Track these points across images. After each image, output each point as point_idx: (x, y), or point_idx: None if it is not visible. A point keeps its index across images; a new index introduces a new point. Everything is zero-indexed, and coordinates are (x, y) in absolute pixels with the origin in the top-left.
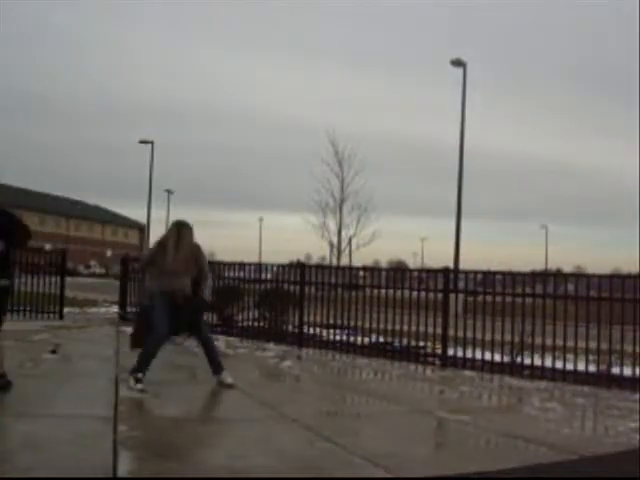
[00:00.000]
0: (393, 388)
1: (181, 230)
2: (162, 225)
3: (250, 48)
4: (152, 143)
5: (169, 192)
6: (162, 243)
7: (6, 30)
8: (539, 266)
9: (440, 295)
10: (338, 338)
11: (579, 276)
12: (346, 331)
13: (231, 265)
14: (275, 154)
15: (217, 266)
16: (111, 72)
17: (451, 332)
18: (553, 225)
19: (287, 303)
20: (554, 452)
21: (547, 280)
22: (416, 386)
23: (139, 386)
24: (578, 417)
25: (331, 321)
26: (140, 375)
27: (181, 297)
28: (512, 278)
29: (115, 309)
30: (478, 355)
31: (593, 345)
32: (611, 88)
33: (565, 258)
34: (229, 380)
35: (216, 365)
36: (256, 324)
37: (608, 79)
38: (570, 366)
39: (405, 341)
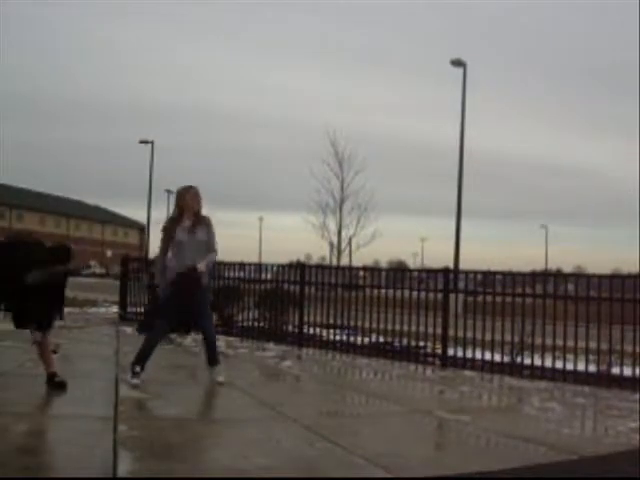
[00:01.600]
0: (393, 388)
1: (193, 198)
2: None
3: (250, 48)
4: (152, 143)
5: (169, 192)
6: (175, 218)
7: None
8: (539, 266)
9: (440, 295)
10: (338, 338)
11: (579, 276)
12: (346, 331)
13: (231, 265)
14: (275, 154)
15: (217, 266)
16: (111, 72)
17: (451, 332)
18: (553, 225)
19: (287, 303)
20: (554, 452)
21: (547, 280)
22: (416, 386)
23: (134, 381)
24: (578, 417)
25: (331, 321)
26: (138, 369)
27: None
28: (512, 278)
29: (115, 309)
30: (478, 355)
31: (593, 345)
32: (611, 87)
33: (565, 258)
34: (219, 378)
35: (212, 359)
36: (256, 324)
37: (608, 79)
38: (570, 366)
39: (405, 341)
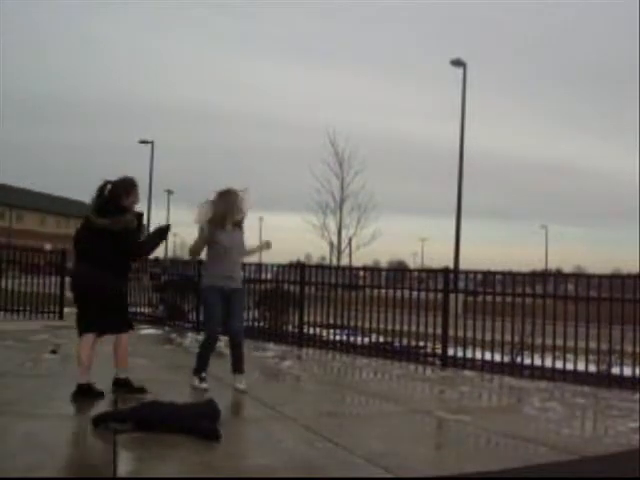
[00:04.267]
0: (393, 388)
1: (236, 201)
2: None
3: (250, 48)
4: (152, 143)
5: (169, 192)
6: (216, 219)
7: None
8: (539, 266)
9: (440, 295)
10: (338, 338)
11: (579, 276)
12: (346, 331)
13: None
14: (275, 154)
15: None
16: (112, 72)
17: (451, 332)
18: (553, 225)
19: (287, 303)
20: (554, 452)
21: (547, 280)
22: (416, 386)
23: (204, 385)
24: (578, 417)
25: (331, 321)
26: (204, 375)
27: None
28: (512, 278)
29: None
30: (478, 355)
31: (593, 345)
32: (611, 88)
33: (565, 258)
34: (241, 386)
35: (236, 366)
36: (256, 324)
37: (608, 79)
38: (570, 366)
39: (405, 341)
